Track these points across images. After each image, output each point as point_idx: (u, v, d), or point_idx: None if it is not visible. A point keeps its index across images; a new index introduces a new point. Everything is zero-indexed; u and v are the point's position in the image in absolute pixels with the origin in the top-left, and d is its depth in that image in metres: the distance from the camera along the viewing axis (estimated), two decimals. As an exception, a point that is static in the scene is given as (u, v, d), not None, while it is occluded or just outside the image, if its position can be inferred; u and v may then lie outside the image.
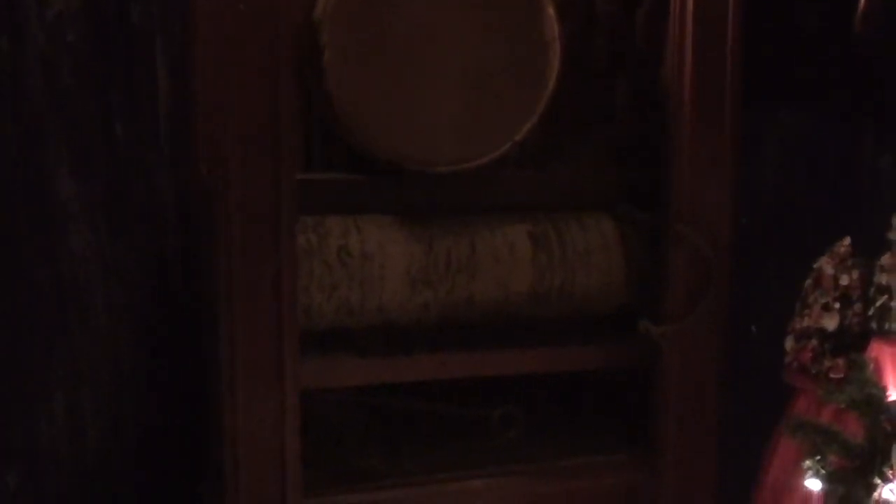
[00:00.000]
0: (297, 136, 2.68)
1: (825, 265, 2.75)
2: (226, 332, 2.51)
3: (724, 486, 2.86)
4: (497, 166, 2.69)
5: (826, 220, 3.16)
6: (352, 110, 2.55)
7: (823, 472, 2.46)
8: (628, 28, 2.93)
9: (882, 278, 2.64)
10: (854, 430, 2.48)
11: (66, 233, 3.09)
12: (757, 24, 2.78)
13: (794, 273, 2.82)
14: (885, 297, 2.63)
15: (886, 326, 2.63)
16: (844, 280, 2.71)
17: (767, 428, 2.82)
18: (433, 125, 2.60)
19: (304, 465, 2.58)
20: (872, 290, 2.67)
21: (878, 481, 2.40)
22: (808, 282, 2.78)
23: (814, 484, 2.48)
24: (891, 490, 2.38)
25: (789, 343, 2.79)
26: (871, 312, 2.67)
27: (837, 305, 2.71)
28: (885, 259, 2.64)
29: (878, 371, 2.55)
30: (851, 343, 2.68)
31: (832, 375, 2.68)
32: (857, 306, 2.70)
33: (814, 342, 2.73)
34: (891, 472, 2.38)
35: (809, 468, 2.47)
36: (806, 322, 2.76)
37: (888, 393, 2.47)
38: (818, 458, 2.46)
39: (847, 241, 2.74)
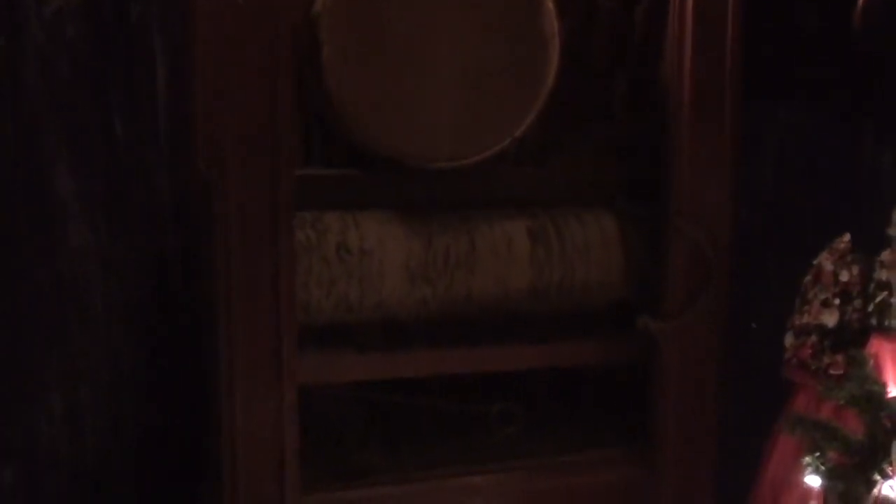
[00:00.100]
0: (295, 132, 2.68)
1: (825, 261, 2.74)
2: (224, 330, 2.51)
3: (724, 483, 2.86)
4: (496, 162, 2.69)
5: (826, 217, 3.16)
6: (351, 107, 2.56)
7: (823, 468, 2.45)
8: (628, 25, 2.93)
9: (882, 274, 2.65)
10: (854, 426, 2.48)
11: (65, 231, 3.09)
12: (756, 22, 2.78)
13: (794, 269, 2.81)
14: (885, 293, 2.64)
15: (886, 323, 2.63)
16: (844, 276, 2.70)
17: (767, 424, 2.82)
18: (432, 121, 2.61)
19: (303, 461, 2.58)
20: (872, 286, 2.67)
21: (878, 478, 2.39)
22: (808, 278, 2.77)
23: (813, 480, 2.48)
24: (891, 487, 2.38)
25: (789, 339, 2.78)
26: (870, 309, 2.67)
27: (837, 302, 2.71)
28: (885, 255, 2.65)
29: (878, 367, 2.55)
30: (851, 339, 2.68)
31: (832, 372, 2.68)
32: (857, 302, 2.70)
33: (813, 338, 2.73)
34: (890, 468, 2.38)
35: (809, 465, 2.47)
36: (805, 318, 2.75)
37: (888, 389, 2.47)
38: (818, 454, 2.46)
39: (847, 237, 2.74)
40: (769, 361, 2.83)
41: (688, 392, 2.78)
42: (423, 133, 2.61)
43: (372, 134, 2.58)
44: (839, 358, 2.68)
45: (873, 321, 2.65)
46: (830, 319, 2.71)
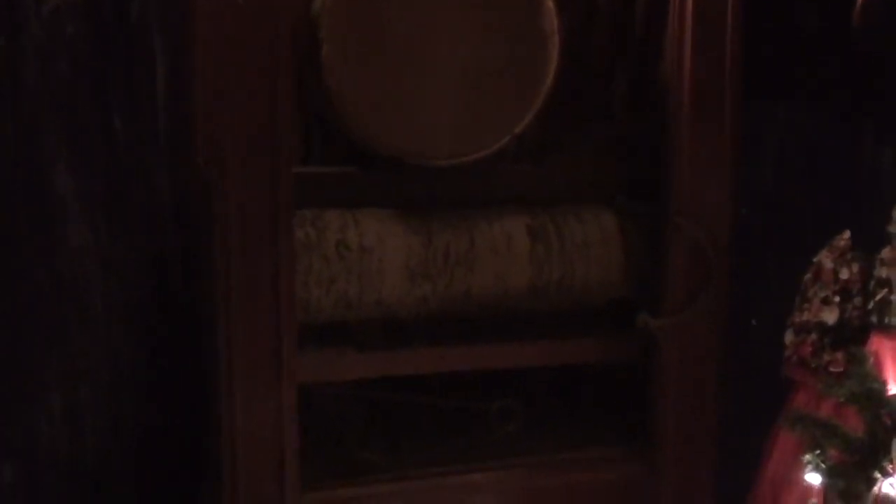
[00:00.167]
0: (295, 131, 2.68)
1: (825, 259, 2.74)
2: (224, 329, 2.51)
3: (723, 481, 2.86)
4: (496, 160, 2.70)
5: (826, 215, 3.16)
6: (350, 105, 2.56)
7: (823, 466, 2.45)
8: (628, 23, 2.93)
9: (882, 272, 2.64)
10: (854, 424, 2.47)
11: (64, 230, 3.08)
12: (756, 22, 2.79)
13: (794, 267, 2.81)
14: (885, 290, 2.63)
15: (886, 320, 2.63)
16: (844, 274, 2.70)
17: (767, 422, 2.82)
18: (432, 119, 2.61)
19: (303, 459, 2.58)
20: (872, 283, 2.67)
21: (879, 476, 2.39)
22: (808, 276, 2.77)
23: (814, 478, 2.48)
24: (891, 484, 2.37)
25: (789, 337, 2.78)
26: (870, 306, 2.66)
27: (837, 299, 2.71)
28: (885, 252, 2.65)
29: (878, 365, 2.55)
30: (851, 337, 2.67)
31: (832, 369, 2.68)
32: (857, 300, 2.70)
33: (813, 336, 2.73)
34: (891, 466, 2.37)
35: (809, 462, 2.46)
36: (805, 316, 2.75)
37: (888, 387, 2.47)
38: (818, 452, 2.46)
39: (847, 234, 2.74)
40: (769, 359, 2.82)
41: (688, 390, 2.78)
42: (423, 131, 2.61)
43: (372, 132, 2.58)
44: (839, 355, 2.67)
45: (873, 319, 2.65)
46: (830, 317, 2.71)
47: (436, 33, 2.57)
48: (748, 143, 2.92)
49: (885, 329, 2.62)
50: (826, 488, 2.48)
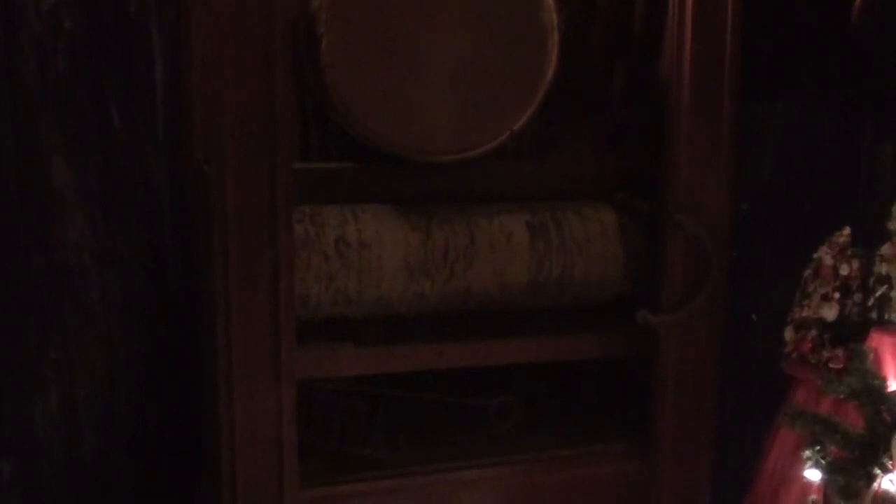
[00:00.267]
0: (294, 126, 2.68)
1: (825, 255, 2.74)
2: (222, 323, 2.50)
3: (723, 477, 2.86)
4: (495, 156, 2.69)
5: (825, 211, 3.16)
6: (349, 100, 2.55)
7: (823, 462, 2.45)
8: (627, 19, 2.93)
9: (882, 268, 2.65)
10: (853, 420, 2.48)
11: (61, 222, 3.08)
12: (755, 17, 2.78)
13: (794, 263, 2.81)
14: (885, 287, 2.64)
15: (886, 316, 2.63)
16: (844, 270, 2.71)
17: (766, 418, 2.82)
18: (431, 115, 2.60)
19: (302, 455, 2.58)
20: (872, 279, 2.67)
21: (878, 472, 2.39)
22: (808, 272, 2.78)
23: (813, 474, 2.48)
24: (891, 480, 2.38)
25: (789, 333, 2.79)
26: (870, 302, 2.67)
27: (837, 295, 2.71)
28: (885, 249, 2.65)
29: (878, 361, 2.56)
30: (851, 333, 2.68)
31: (832, 366, 2.68)
32: (857, 296, 2.70)
33: (813, 332, 2.73)
34: (890, 462, 2.38)
35: (809, 458, 2.47)
36: (805, 312, 2.75)
37: (888, 383, 2.47)
38: (818, 448, 2.46)
39: (847, 231, 2.74)
40: (769, 355, 2.83)
41: (687, 386, 2.78)
42: (423, 127, 2.60)
43: (370, 128, 2.58)
44: (839, 352, 2.68)
45: (873, 315, 2.66)
46: (830, 313, 2.71)
47: (435, 29, 2.56)
48: (747, 139, 2.92)
49: (884, 325, 2.63)
50: (826, 484, 2.48)
